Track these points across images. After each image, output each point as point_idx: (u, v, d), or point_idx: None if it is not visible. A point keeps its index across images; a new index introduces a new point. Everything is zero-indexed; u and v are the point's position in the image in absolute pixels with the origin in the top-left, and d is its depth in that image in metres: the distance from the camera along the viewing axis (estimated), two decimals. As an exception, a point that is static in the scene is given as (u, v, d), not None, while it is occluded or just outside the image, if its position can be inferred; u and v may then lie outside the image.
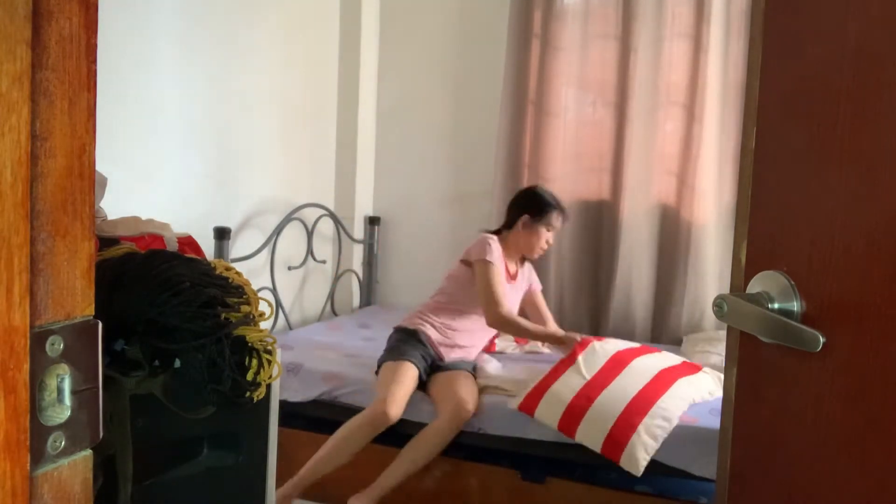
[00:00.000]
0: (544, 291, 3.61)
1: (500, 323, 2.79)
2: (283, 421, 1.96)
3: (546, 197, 2.95)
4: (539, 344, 3.23)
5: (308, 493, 2.72)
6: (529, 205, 2.93)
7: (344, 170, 3.94)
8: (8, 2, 0.45)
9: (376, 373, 2.74)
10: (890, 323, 0.72)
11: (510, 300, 2.86)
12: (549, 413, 2.46)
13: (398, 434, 2.55)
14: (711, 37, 3.36)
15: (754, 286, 0.87)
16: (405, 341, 2.77)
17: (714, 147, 3.41)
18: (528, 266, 3.07)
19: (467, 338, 2.89)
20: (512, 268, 2.97)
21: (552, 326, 3.07)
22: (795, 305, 0.82)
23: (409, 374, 2.63)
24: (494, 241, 2.86)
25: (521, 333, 2.91)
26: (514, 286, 2.97)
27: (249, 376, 1.44)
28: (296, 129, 3.62)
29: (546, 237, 2.92)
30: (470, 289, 2.85)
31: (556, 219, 2.92)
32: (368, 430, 2.50)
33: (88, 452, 0.54)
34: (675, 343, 3.39)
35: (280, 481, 1.84)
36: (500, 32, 3.70)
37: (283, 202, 3.48)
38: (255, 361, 1.45)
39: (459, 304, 2.89)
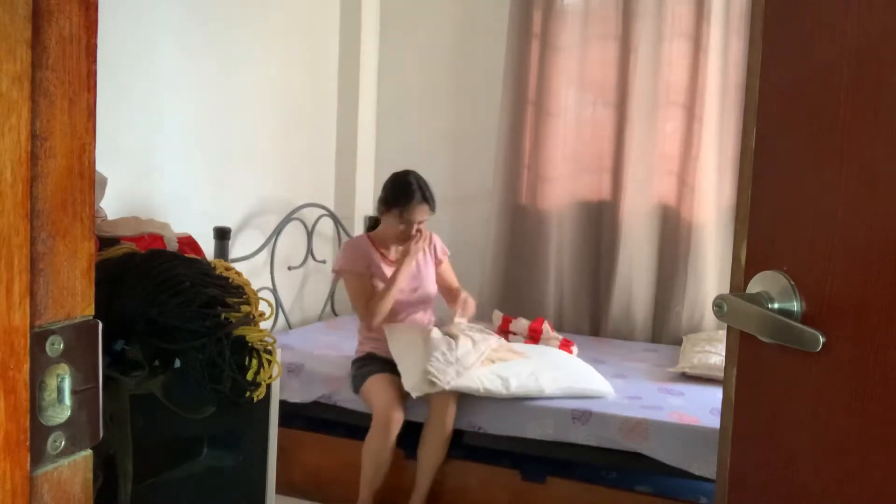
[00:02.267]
0: (544, 291, 3.62)
1: (378, 321, 2.70)
2: (283, 421, 1.96)
3: (398, 188, 2.69)
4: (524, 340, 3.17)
5: (308, 494, 2.72)
6: (384, 193, 2.75)
7: (344, 170, 3.94)
8: (8, 2, 0.45)
9: (355, 391, 2.73)
10: (890, 323, 0.72)
11: (409, 286, 2.76)
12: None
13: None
14: (711, 37, 3.36)
15: (754, 286, 0.87)
16: (364, 365, 2.74)
17: (714, 147, 3.41)
18: (432, 240, 2.89)
19: (405, 310, 2.81)
20: (395, 254, 2.82)
21: (462, 294, 2.86)
22: (795, 305, 0.82)
23: (384, 381, 2.61)
24: (352, 243, 2.84)
25: (391, 299, 2.69)
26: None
27: (249, 376, 1.44)
28: (296, 129, 3.62)
29: (405, 227, 2.69)
30: (354, 293, 2.75)
31: (409, 212, 2.65)
32: (383, 439, 2.53)
33: (88, 452, 0.54)
34: (675, 343, 3.39)
35: (280, 481, 1.84)
36: (500, 32, 3.70)
37: (283, 202, 3.48)
38: (255, 361, 1.45)
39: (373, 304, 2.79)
